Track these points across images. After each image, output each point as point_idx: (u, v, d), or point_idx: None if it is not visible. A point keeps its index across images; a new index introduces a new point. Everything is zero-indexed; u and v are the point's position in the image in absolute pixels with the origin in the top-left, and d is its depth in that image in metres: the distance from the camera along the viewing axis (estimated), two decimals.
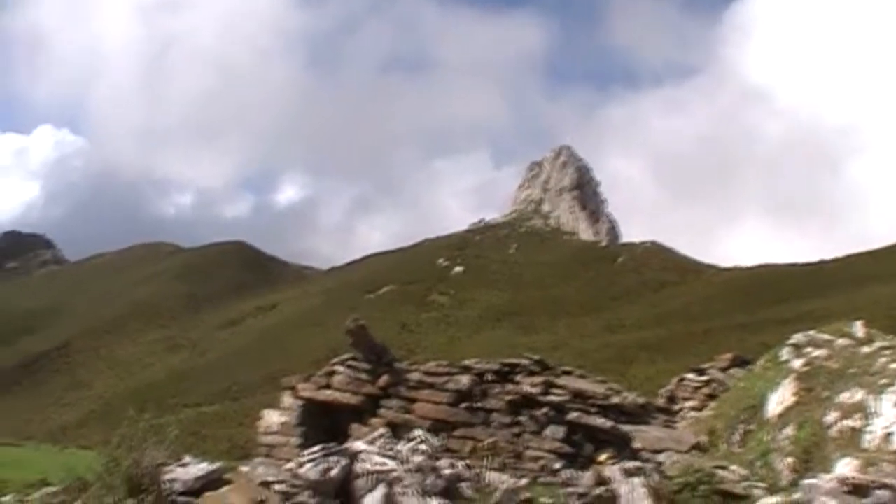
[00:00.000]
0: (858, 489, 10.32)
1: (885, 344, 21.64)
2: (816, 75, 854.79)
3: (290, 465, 11.29)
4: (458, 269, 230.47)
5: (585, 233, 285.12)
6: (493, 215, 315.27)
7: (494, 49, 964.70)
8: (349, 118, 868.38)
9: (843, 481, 10.54)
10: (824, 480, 10.86)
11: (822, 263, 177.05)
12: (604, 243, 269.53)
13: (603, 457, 16.77)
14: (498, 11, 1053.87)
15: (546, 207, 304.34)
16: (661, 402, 28.17)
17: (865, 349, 21.49)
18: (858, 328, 23.57)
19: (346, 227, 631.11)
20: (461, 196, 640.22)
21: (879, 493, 10.20)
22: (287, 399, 21.63)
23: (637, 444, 18.39)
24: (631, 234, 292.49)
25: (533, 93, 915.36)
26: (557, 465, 17.34)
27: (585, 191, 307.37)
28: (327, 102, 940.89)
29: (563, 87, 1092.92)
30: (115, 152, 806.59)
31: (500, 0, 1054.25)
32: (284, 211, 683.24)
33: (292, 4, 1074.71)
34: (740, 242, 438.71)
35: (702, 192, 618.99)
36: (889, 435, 14.97)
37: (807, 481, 11.39)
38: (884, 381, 17.16)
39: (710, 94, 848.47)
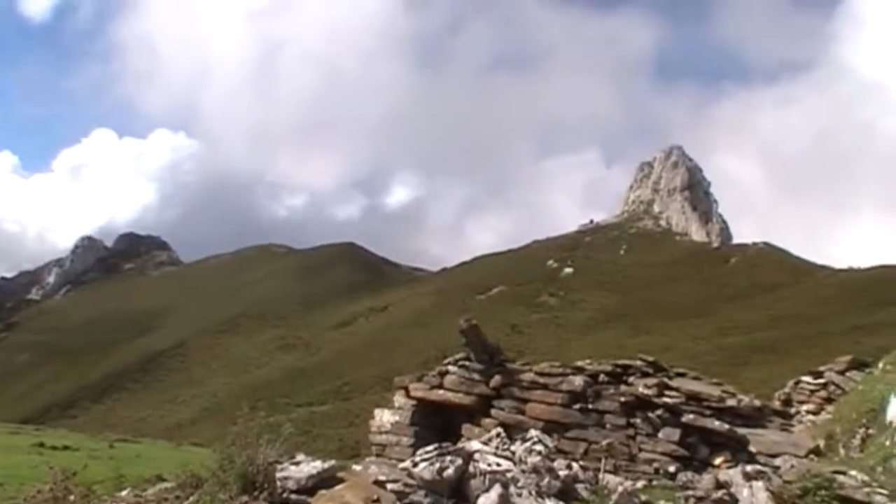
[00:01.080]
0: None
1: None
2: None
3: (405, 464, 11.34)
4: (568, 270, 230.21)
5: (697, 234, 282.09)
6: (603, 215, 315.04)
7: (602, 46, 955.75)
8: (457, 118, 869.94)
9: None
10: None
11: None
12: (715, 244, 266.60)
13: (719, 460, 16.59)
14: (604, 8, 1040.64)
15: (657, 208, 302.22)
16: (776, 405, 27.75)
17: None
18: None
19: (455, 227, 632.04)
20: (571, 196, 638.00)
21: None
22: (399, 398, 21.74)
23: (753, 448, 18.12)
24: (742, 234, 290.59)
25: (642, 90, 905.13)
26: (672, 468, 17.17)
27: (696, 191, 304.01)
28: (435, 103, 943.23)
29: (673, 85, 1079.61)
30: (228, 155, 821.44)
31: None
32: (395, 212, 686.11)
33: (398, 5, 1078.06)
34: (856, 242, 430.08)
35: (815, 190, 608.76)
36: None
37: None
38: None
39: (823, 90, 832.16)
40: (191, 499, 11.31)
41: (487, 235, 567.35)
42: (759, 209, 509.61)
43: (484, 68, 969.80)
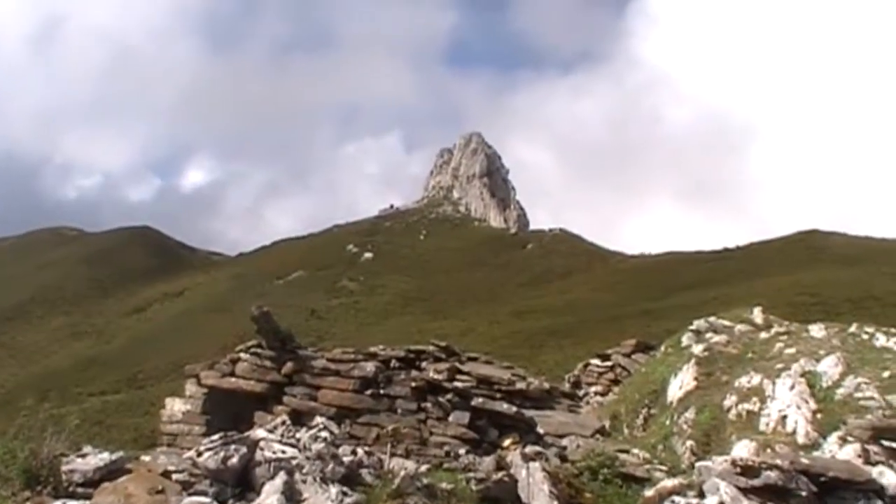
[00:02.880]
0: (749, 470, 10.55)
1: (782, 330, 22.16)
2: (720, 65, 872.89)
3: (190, 453, 11.20)
4: (368, 255, 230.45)
5: (495, 220, 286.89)
6: (403, 201, 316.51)
7: (401, 30, 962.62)
8: (255, 101, 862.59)
9: (734, 463, 10.78)
10: (717, 462, 11.09)
11: (726, 251, 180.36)
12: (513, 230, 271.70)
13: (507, 442, 16.91)
14: None
15: (456, 194, 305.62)
16: (566, 387, 28.44)
17: (763, 335, 21.96)
18: (757, 315, 24.08)
19: (254, 211, 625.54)
20: (371, 181, 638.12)
21: (768, 473, 10.44)
22: (191, 387, 21.42)
23: (541, 430, 18.53)
24: (538, 220, 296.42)
25: (441, 76, 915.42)
26: (462, 451, 17.41)
27: (495, 178, 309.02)
28: (232, 85, 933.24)
29: (470, 72, 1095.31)
30: (13, 133, 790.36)
31: None
32: (191, 195, 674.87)
33: None
34: (646, 228, 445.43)
35: (608, 178, 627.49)
36: (784, 418, 15.32)
37: (701, 463, 11.62)
38: (780, 365, 17.56)
39: (615, 82, 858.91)
40: None
41: (287, 220, 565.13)
42: (554, 196, 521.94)
43: (281, 50, 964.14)
